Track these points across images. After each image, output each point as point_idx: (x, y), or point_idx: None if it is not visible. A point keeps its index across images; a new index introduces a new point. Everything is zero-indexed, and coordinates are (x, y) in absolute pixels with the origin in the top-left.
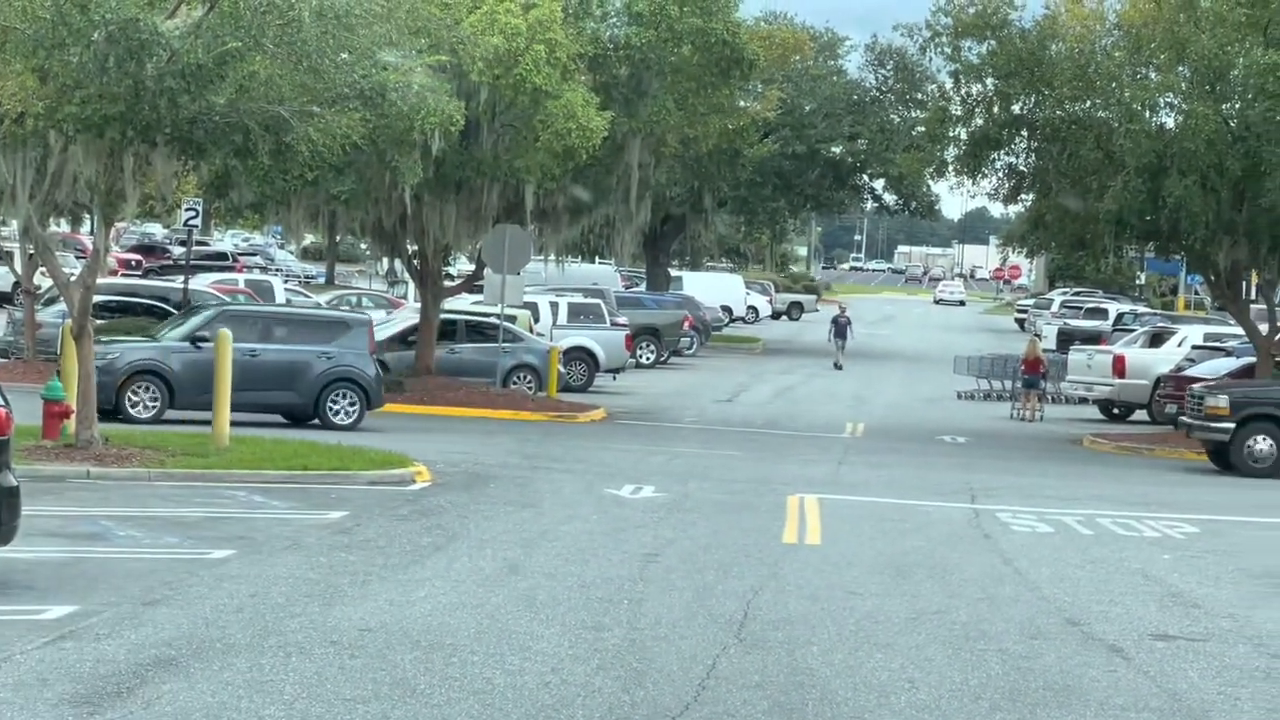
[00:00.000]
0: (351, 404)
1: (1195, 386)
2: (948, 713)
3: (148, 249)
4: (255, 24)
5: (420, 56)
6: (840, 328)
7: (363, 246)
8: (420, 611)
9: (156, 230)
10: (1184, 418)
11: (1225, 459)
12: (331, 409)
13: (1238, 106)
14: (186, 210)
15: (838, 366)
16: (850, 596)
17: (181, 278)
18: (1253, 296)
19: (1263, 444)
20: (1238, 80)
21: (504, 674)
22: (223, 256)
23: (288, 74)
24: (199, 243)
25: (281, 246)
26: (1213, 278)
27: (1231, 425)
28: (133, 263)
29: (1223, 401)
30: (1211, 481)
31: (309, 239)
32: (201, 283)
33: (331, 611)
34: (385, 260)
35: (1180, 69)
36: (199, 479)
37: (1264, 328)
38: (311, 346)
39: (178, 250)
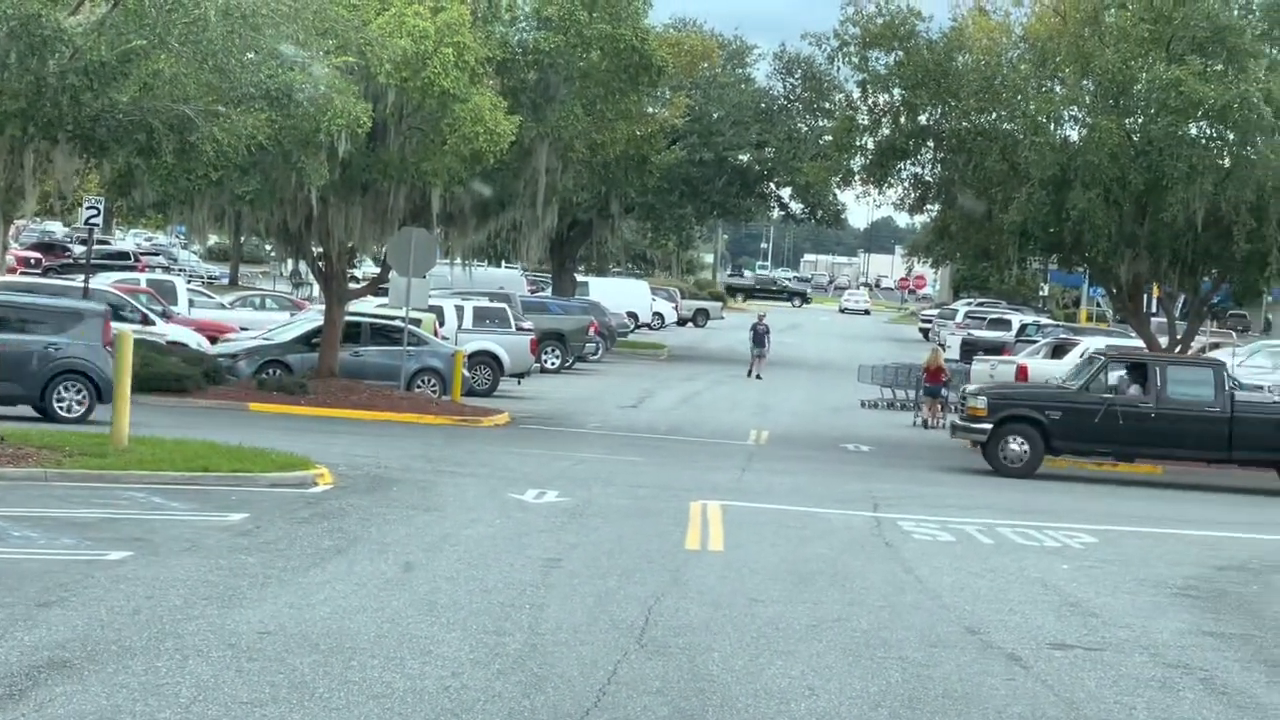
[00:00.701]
0: (80, 396)
1: (967, 387)
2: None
3: (48, 247)
4: (160, 22)
5: (327, 57)
6: (759, 336)
7: (267, 248)
8: (320, 614)
9: (57, 228)
10: (954, 419)
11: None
12: (58, 401)
13: (1140, 121)
14: (88, 209)
15: (756, 376)
16: (752, 603)
17: (82, 277)
18: (1153, 309)
19: (1015, 445)
20: (1141, 95)
21: (404, 678)
22: (124, 256)
23: (193, 73)
24: (100, 242)
25: (185, 247)
26: (1114, 290)
27: (989, 426)
28: (32, 260)
29: (981, 403)
30: (1113, 492)
31: (213, 239)
32: (102, 282)
33: (230, 614)
34: (290, 262)
35: (1085, 83)
36: (97, 479)
37: (1164, 341)
38: (39, 337)
39: (78, 249)
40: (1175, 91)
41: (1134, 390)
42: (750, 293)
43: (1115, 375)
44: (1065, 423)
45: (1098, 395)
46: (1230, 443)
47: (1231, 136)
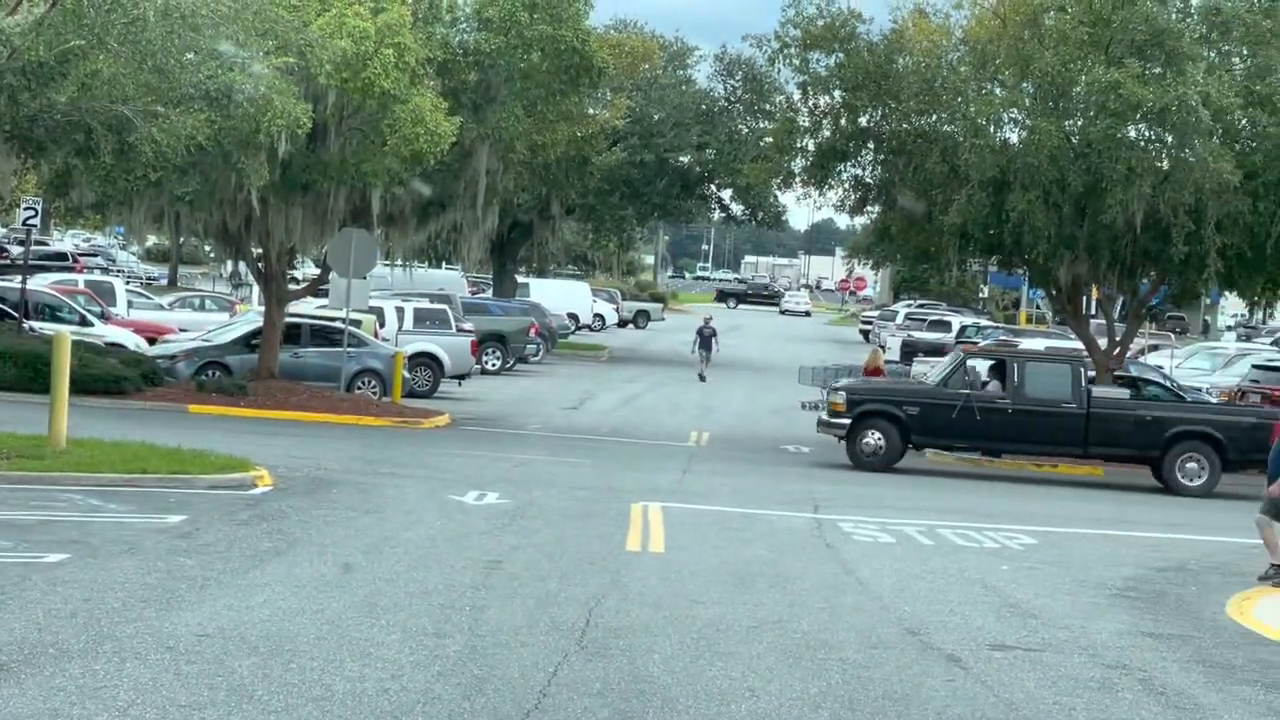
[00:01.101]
0: None
1: (834, 384)
2: None
3: None
4: (99, 22)
5: (267, 58)
6: (705, 339)
7: (207, 249)
8: (259, 617)
9: None
10: (820, 414)
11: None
12: None
13: (1079, 123)
14: (25, 209)
15: (701, 378)
16: (693, 605)
17: (19, 278)
18: (1093, 311)
19: (871, 439)
20: (1080, 97)
21: (344, 680)
22: (63, 257)
23: (131, 73)
24: (38, 242)
25: (124, 248)
26: (1054, 292)
27: (848, 420)
28: None
29: (841, 398)
30: (1049, 494)
31: (152, 240)
32: (40, 283)
33: (168, 616)
34: (229, 263)
35: (1024, 85)
36: (34, 481)
37: (1103, 342)
38: None
39: (16, 250)
40: (1114, 94)
41: (994, 386)
42: (742, 298)
43: (976, 371)
44: (923, 418)
45: (955, 391)
46: (1086, 439)
47: (1170, 139)
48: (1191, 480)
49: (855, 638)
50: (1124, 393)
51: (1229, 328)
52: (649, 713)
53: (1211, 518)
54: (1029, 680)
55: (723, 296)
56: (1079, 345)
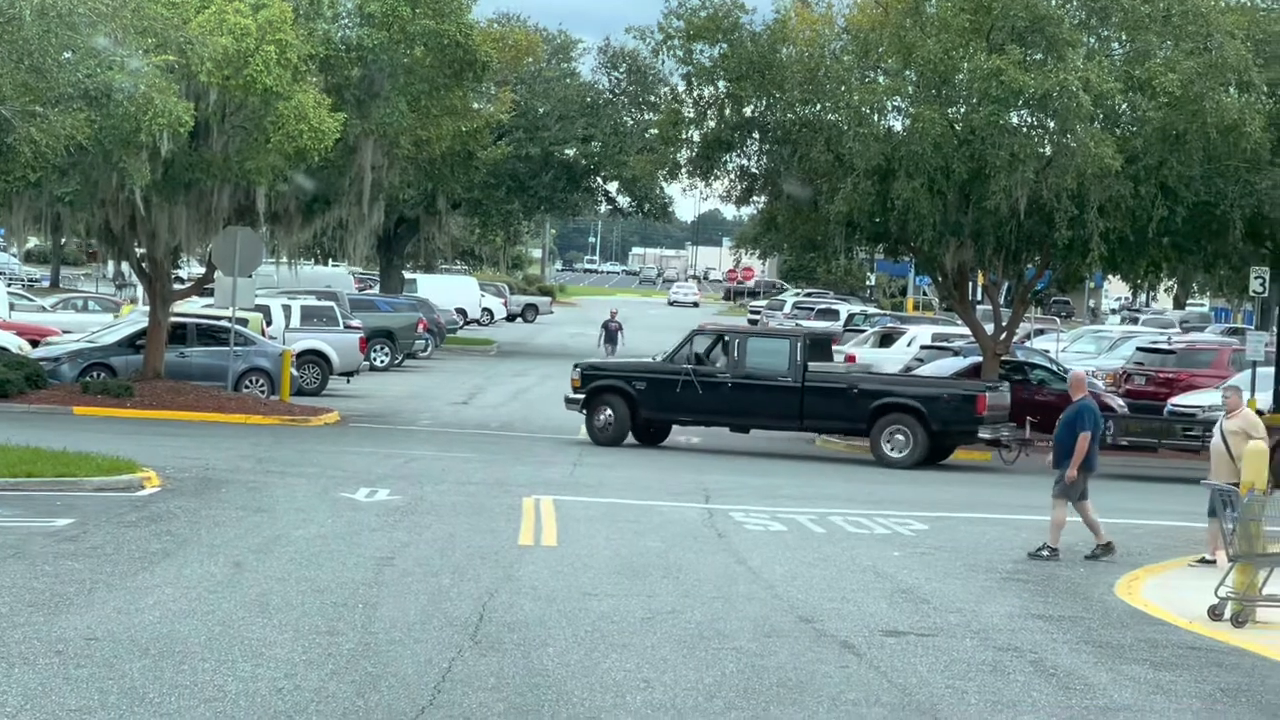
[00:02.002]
0: None
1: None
2: (683, 711)
3: None
4: None
5: (147, 56)
6: (611, 333)
7: (89, 249)
8: (150, 619)
9: None
10: (568, 393)
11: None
12: None
13: (963, 110)
14: None
15: None
16: (586, 597)
17: None
18: (979, 297)
19: (603, 414)
20: (962, 85)
21: (236, 681)
22: None
23: (8, 73)
24: None
25: (4, 249)
26: (940, 279)
27: (583, 396)
28: None
29: (577, 374)
30: (943, 480)
31: (33, 241)
32: None
33: (57, 620)
34: (113, 263)
35: (907, 73)
36: None
37: (990, 328)
38: None
39: None
40: (996, 81)
41: (720, 362)
42: (753, 294)
43: (703, 347)
44: (649, 393)
45: (679, 366)
46: (801, 412)
47: (1052, 124)
48: (898, 452)
49: (749, 627)
50: (842, 367)
51: (1114, 311)
52: (544, 706)
53: (1098, 501)
54: (922, 665)
55: (735, 294)
56: (965, 331)
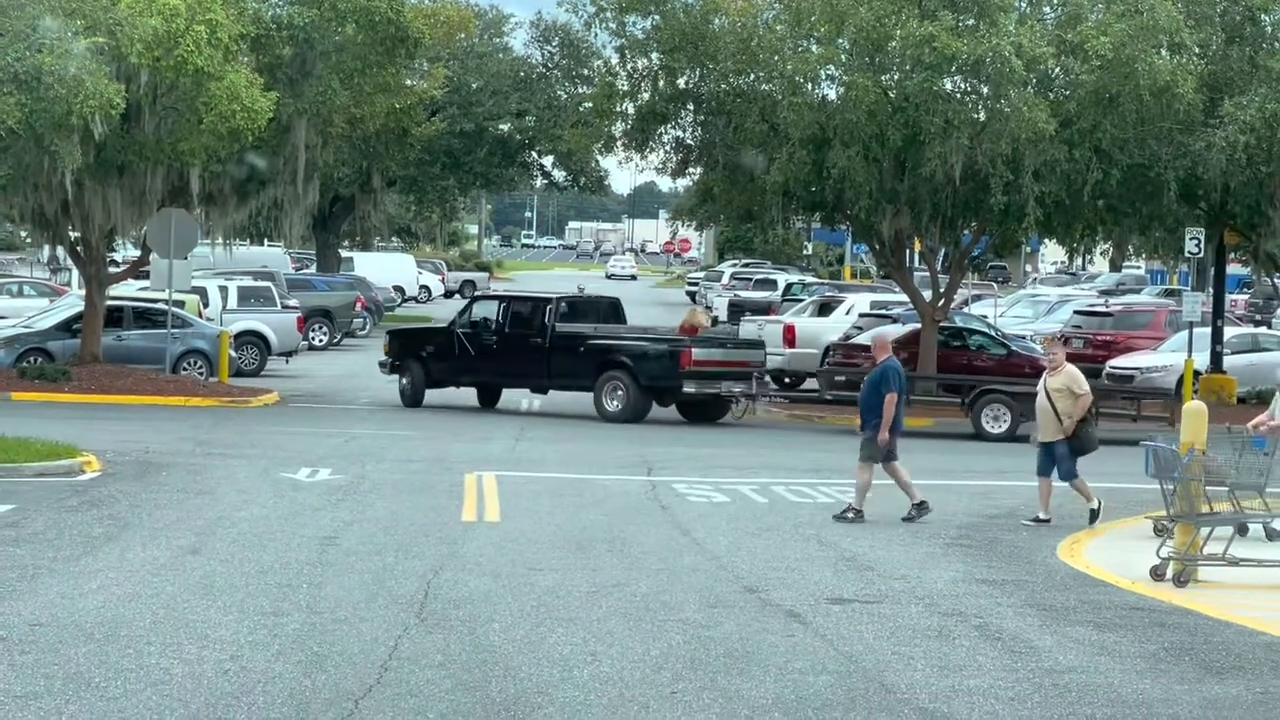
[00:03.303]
0: None
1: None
2: (630, 683)
3: None
4: None
5: (77, 39)
6: None
7: (22, 234)
8: (93, 604)
9: None
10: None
11: None
12: None
13: (896, 77)
14: None
15: None
16: (531, 572)
17: None
18: (916, 264)
19: (405, 379)
20: (896, 52)
21: (182, 663)
22: None
23: None
24: None
25: None
26: (878, 246)
27: (390, 361)
28: None
29: (386, 341)
30: None
31: None
32: None
33: (0, 607)
34: (47, 247)
35: (840, 41)
36: None
37: (928, 294)
38: None
39: None
40: (929, 48)
41: (492, 326)
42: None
43: (481, 313)
44: (435, 357)
45: (454, 330)
46: (549, 371)
47: (985, 90)
48: (616, 405)
49: (694, 598)
50: (587, 327)
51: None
52: (491, 682)
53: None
54: (868, 632)
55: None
56: (904, 298)
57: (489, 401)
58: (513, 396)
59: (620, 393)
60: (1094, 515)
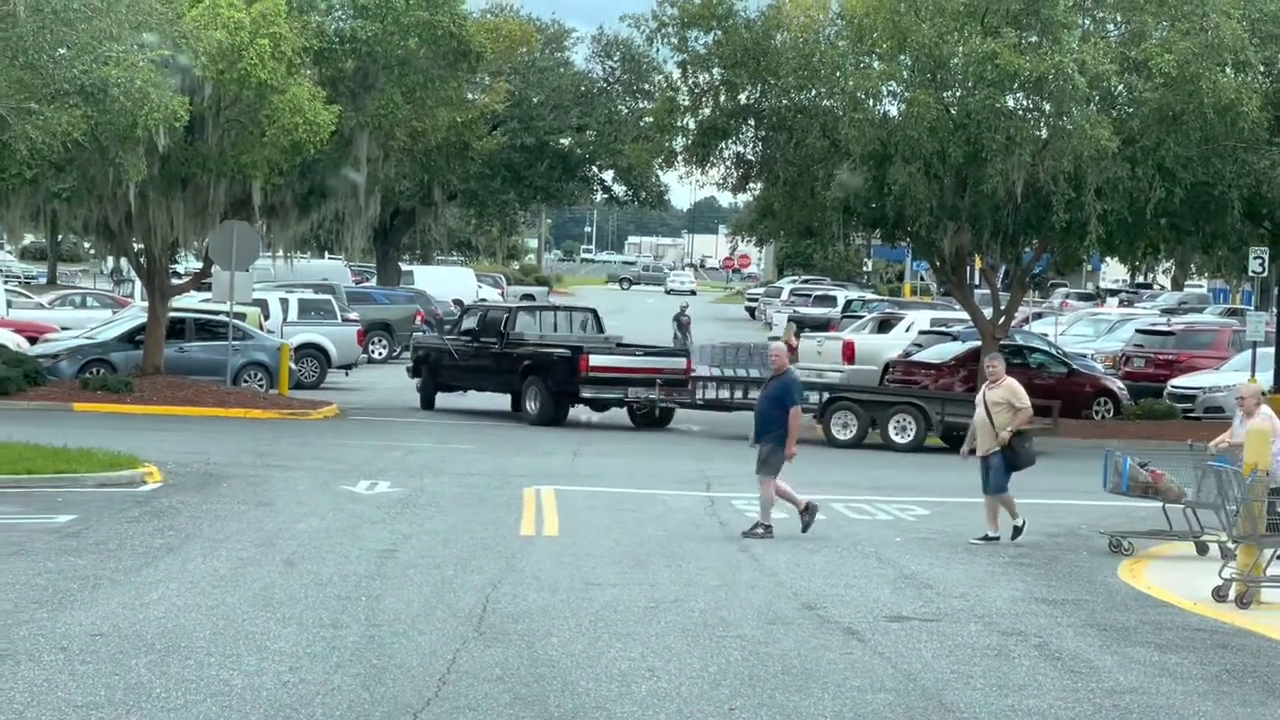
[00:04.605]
0: None
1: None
2: (689, 699)
3: None
4: None
5: (142, 51)
6: (683, 326)
7: (86, 245)
8: (154, 614)
9: None
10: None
11: None
12: None
13: (958, 94)
14: None
15: None
16: (589, 587)
17: None
18: (976, 281)
19: (420, 381)
20: (957, 68)
21: (241, 675)
22: None
23: (4, 70)
24: None
25: (1, 247)
26: (938, 263)
27: (411, 367)
28: None
29: (411, 351)
30: (944, 464)
31: (29, 239)
32: None
33: (60, 617)
34: (110, 259)
35: (902, 58)
36: None
37: (988, 312)
38: None
39: None
40: (991, 64)
41: (472, 334)
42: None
43: (468, 322)
44: (435, 363)
45: (444, 340)
46: (507, 374)
47: (1048, 107)
48: (533, 407)
49: (753, 614)
50: (535, 335)
51: (1111, 293)
52: (549, 696)
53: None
54: (926, 650)
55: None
56: (964, 315)
57: (515, 405)
58: (574, 413)
59: (534, 395)
60: (1017, 531)
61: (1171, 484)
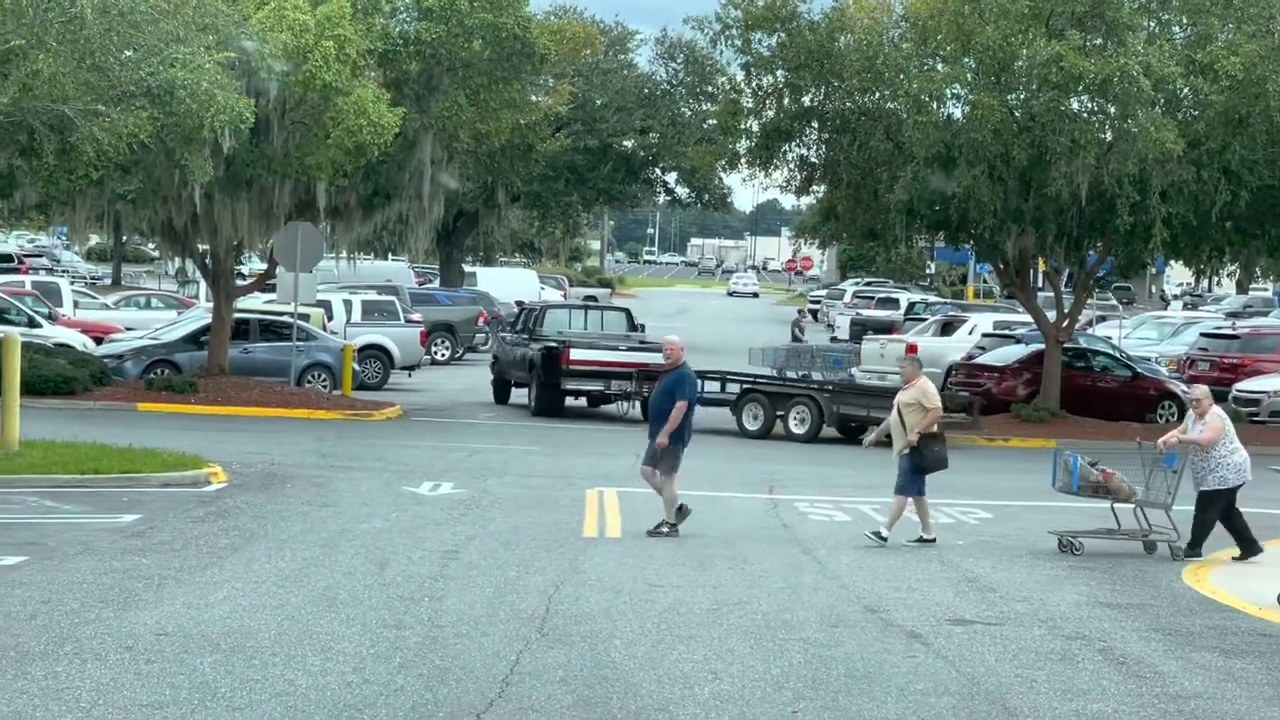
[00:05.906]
0: None
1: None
2: (751, 702)
3: None
4: (38, 21)
5: (209, 54)
6: (800, 329)
7: (151, 246)
8: (219, 614)
9: None
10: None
11: None
12: None
13: (1022, 97)
14: None
15: None
16: (651, 589)
17: None
18: (1040, 284)
19: (494, 381)
20: (1022, 71)
21: (306, 675)
22: (8, 258)
23: (71, 72)
24: None
25: (68, 248)
26: (1001, 266)
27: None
28: None
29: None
30: (1007, 467)
31: (95, 239)
32: None
33: (127, 616)
34: (176, 260)
35: (966, 60)
36: None
37: (1051, 315)
38: None
39: None
40: (1056, 67)
41: (519, 331)
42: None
43: (522, 321)
44: (506, 364)
45: (503, 337)
46: (527, 370)
47: (1112, 110)
48: (532, 399)
49: (815, 617)
50: (554, 334)
51: (1175, 297)
52: (612, 698)
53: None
54: (989, 654)
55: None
56: (1027, 319)
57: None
58: (635, 412)
59: (528, 388)
60: (923, 542)
61: (1122, 483)
